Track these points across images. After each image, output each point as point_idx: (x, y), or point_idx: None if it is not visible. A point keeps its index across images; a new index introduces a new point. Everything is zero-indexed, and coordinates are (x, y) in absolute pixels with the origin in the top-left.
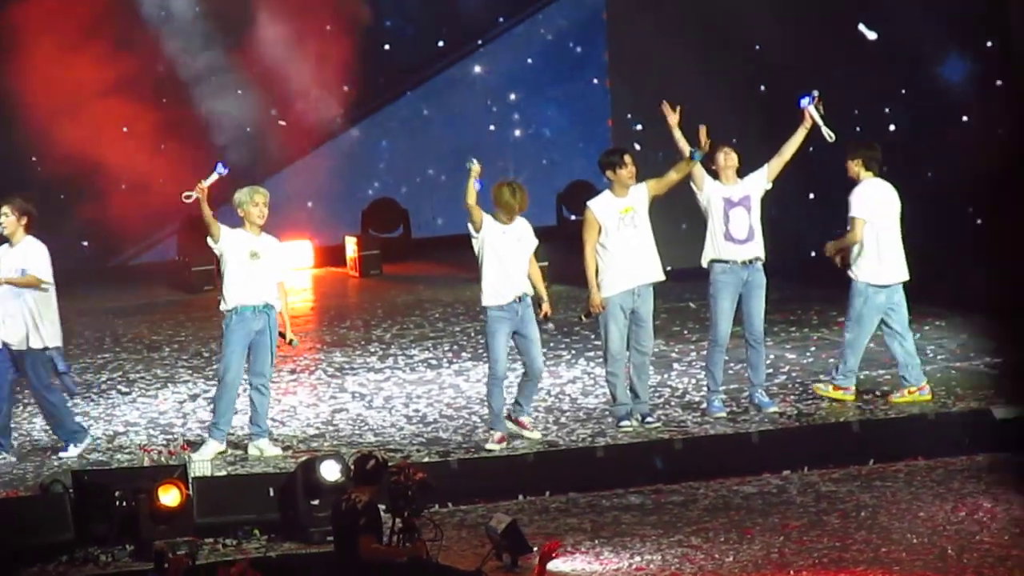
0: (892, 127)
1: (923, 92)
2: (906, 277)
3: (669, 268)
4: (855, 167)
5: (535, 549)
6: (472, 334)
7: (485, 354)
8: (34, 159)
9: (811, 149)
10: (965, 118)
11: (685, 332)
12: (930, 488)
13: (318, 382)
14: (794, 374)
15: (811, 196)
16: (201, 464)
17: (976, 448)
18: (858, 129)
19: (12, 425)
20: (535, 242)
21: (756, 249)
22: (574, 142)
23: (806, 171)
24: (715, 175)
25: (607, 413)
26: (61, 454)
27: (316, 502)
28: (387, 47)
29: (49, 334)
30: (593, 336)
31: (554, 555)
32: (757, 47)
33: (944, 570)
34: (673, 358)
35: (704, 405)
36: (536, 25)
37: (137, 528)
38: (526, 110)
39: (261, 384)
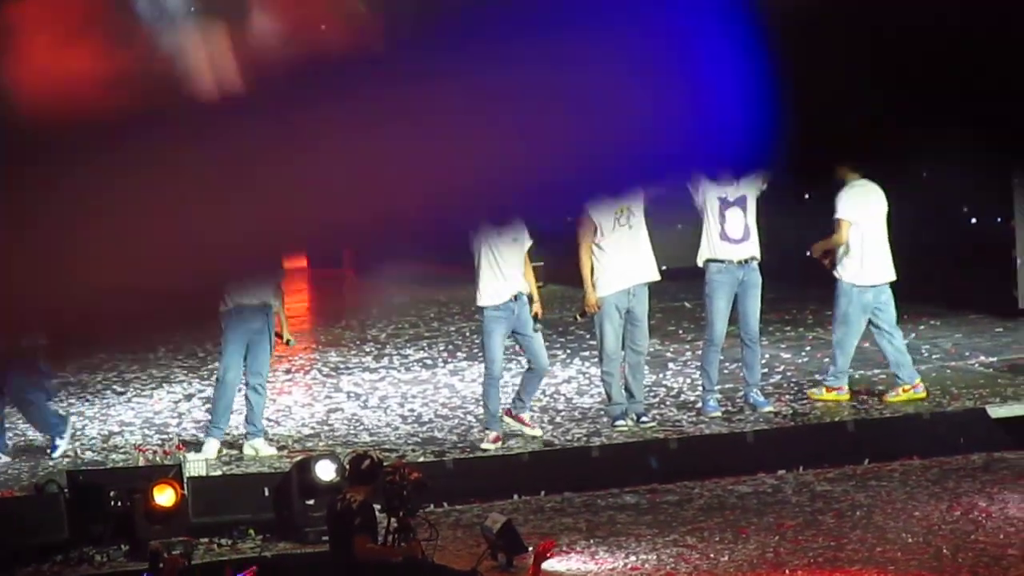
0: None
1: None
2: (892, 277)
3: (664, 268)
4: (841, 169)
5: (530, 549)
6: (467, 334)
7: (480, 354)
8: None
9: None
10: None
11: (680, 332)
12: (925, 487)
13: (313, 382)
14: (789, 374)
15: (807, 196)
16: (196, 464)
17: (971, 447)
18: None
19: (7, 425)
20: (530, 241)
21: (752, 249)
22: None
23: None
24: None
25: (602, 413)
26: (53, 454)
27: (311, 502)
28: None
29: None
30: (588, 336)
31: (549, 555)
32: None
33: (939, 569)
34: (668, 358)
35: (699, 405)
36: None
37: (132, 528)
38: None
39: (258, 384)
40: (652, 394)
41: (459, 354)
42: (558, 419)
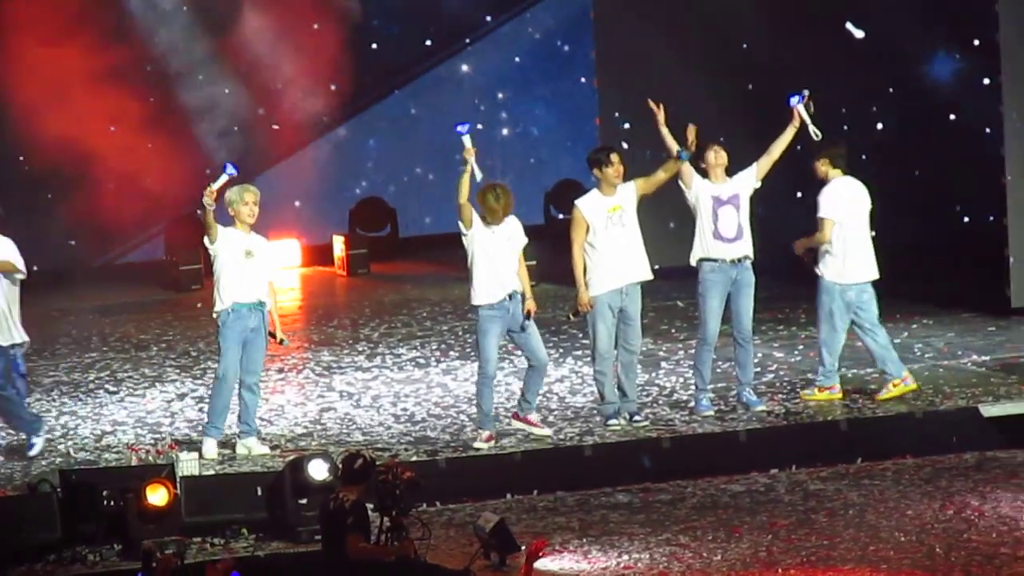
0: (879, 126)
1: (910, 91)
2: (874, 276)
3: (657, 267)
4: (823, 167)
5: (523, 548)
6: (460, 333)
7: (473, 353)
8: (21, 158)
9: (799, 148)
10: (952, 116)
11: (673, 331)
12: (918, 486)
13: (306, 381)
14: (782, 372)
15: (799, 195)
16: (189, 463)
17: (964, 446)
18: (845, 128)
19: None
20: (524, 240)
21: (745, 248)
22: (562, 141)
23: (795, 170)
24: (704, 173)
25: (595, 412)
26: (31, 452)
27: (304, 501)
28: (375, 46)
29: (19, 330)
30: (581, 335)
31: (542, 554)
32: (744, 45)
33: (932, 568)
34: (661, 357)
35: (692, 404)
36: (524, 24)
37: (125, 527)
38: (514, 109)
39: (253, 383)
40: (645, 393)
41: (452, 353)
42: (551, 418)
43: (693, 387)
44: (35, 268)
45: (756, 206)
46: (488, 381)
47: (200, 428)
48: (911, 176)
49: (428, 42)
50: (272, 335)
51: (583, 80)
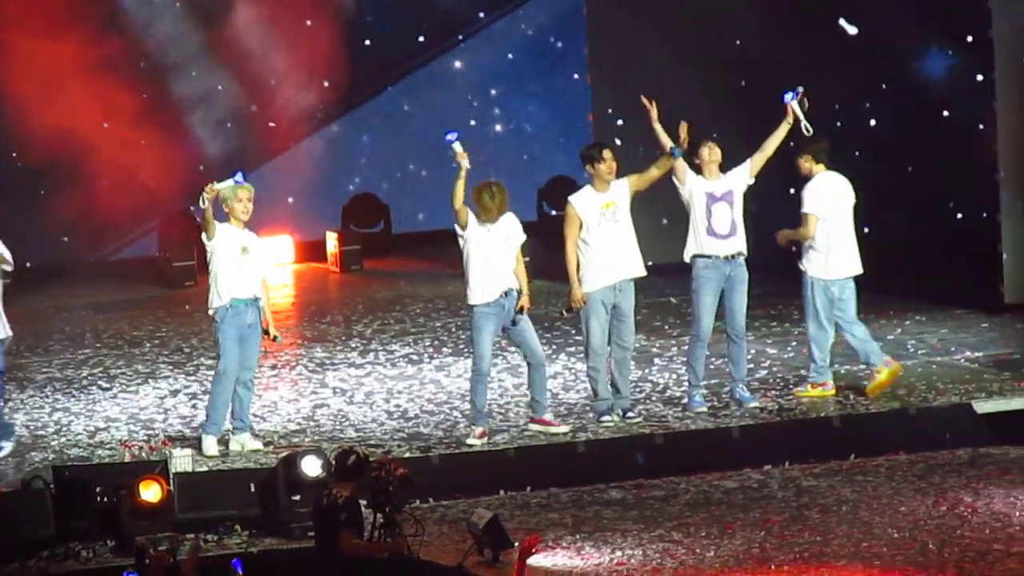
0: (872, 122)
1: (903, 87)
2: (858, 271)
3: (650, 263)
4: (806, 163)
5: (516, 544)
6: (453, 329)
7: (466, 349)
8: (15, 154)
9: (792, 144)
10: (946, 112)
11: (666, 327)
12: (911, 483)
13: (299, 377)
14: (775, 369)
15: (792, 191)
16: (182, 460)
17: (957, 443)
18: (838, 124)
19: None
20: (522, 238)
21: (738, 244)
22: (555, 137)
23: (788, 166)
24: (698, 169)
25: (588, 408)
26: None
27: (297, 498)
28: (367, 42)
29: (1, 324)
30: (574, 331)
31: (535, 550)
32: (737, 42)
33: (925, 564)
34: (654, 353)
35: (685, 400)
36: (516, 20)
37: (118, 524)
38: (507, 105)
39: (248, 379)
40: (638, 389)
41: (445, 350)
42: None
43: (686, 383)
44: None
45: (749, 202)
46: (482, 378)
47: (193, 424)
48: (904, 172)
49: (421, 38)
50: (265, 332)
51: (576, 76)
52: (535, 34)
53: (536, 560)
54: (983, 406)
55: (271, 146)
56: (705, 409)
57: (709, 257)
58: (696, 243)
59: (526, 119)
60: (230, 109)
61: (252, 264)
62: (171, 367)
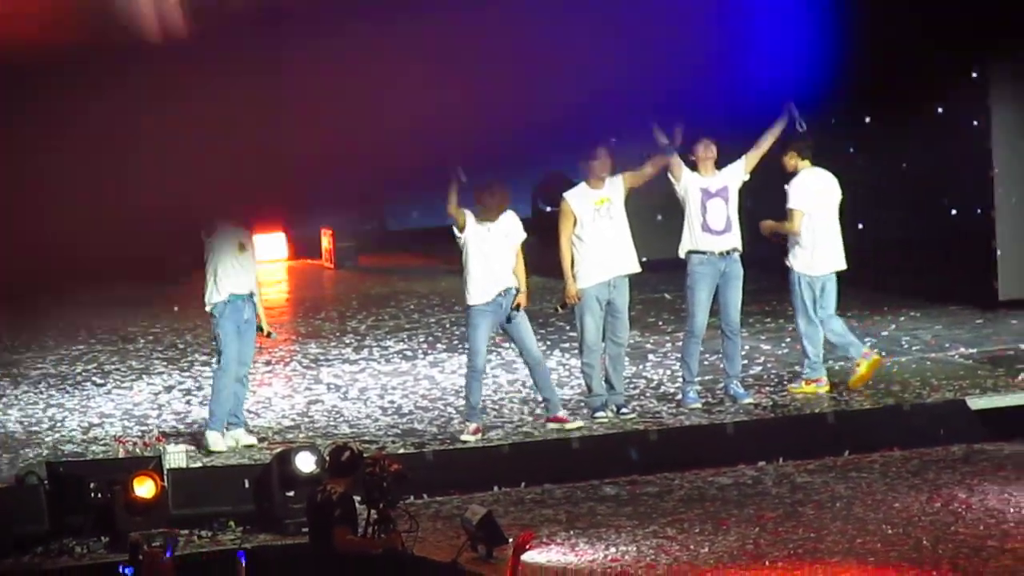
0: (867, 119)
1: (897, 83)
2: (841, 266)
3: (644, 259)
4: (791, 159)
5: (510, 540)
6: (447, 325)
7: (460, 345)
8: None
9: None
10: (940, 109)
11: (660, 323)
12: (905, 479)
13: (293, 373)
14: (769, 365)
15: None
16: (176, 456)
17: (951, 439)
18: (832, 121)
19: None
20: (523, 236)
21: (734, 240)
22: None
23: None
24: (694, 166)
25: (582, 404)
26: None
27: (291, 494)
28: None
29: None
30: (568, 327)
31: (529, 546)
32: None
33: (919, 561)
34: (648, 349)
35: (679, 396)
36: None
37: (112, 520)
38: None
39: (243, 375)
40: (632, 386)
41: (439, 346)
42: (538, 410)
43: (680, 379)
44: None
45: (744, 199)
46: (477, 375)
47: (188, 420)
48: (899, 169)
49: None
50: (259, 328)
51: None
52: None
53: (530, 556)
54: (977, 402)
55: None
56: (699, 405)
57: (704, 253)
58: (691, 239)
59: None
60: None
61: (249, 261)
62: (165, 363)
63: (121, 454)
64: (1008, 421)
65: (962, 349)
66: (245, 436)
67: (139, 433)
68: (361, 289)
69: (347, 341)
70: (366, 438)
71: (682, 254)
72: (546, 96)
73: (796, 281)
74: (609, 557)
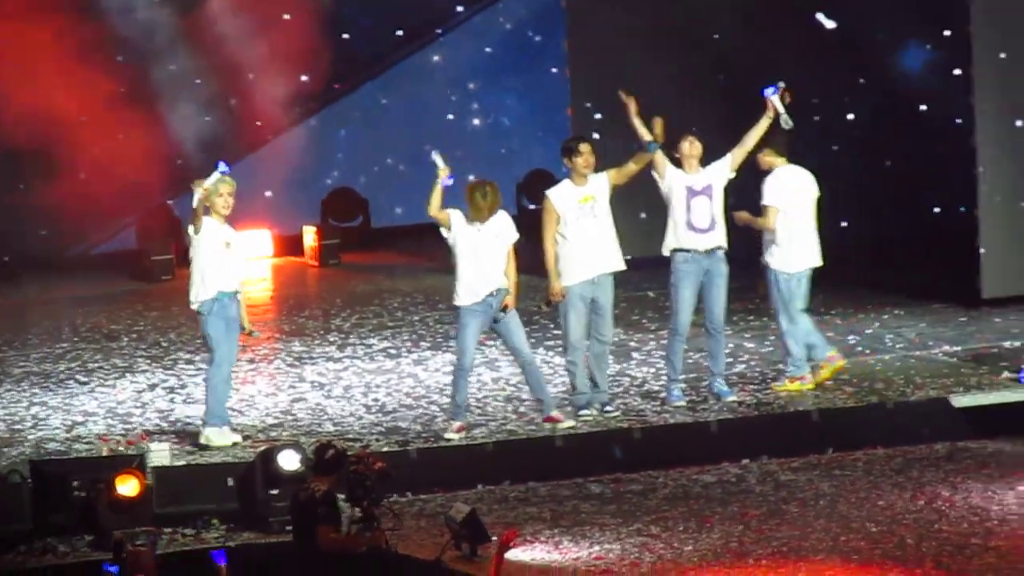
0: (850, 116)
1: (882, 81)
2: (817, 263)
3: (629, 257)
4: (767, 157)
5: (494, 538)
6: (431, 323)
7: (444, 343)
8: None
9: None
10: (923, 107)
11: (644, 321)
12: (889, 477)
13: (277, 371)
14: (753, 363)
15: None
16: (159, 454)
17: (935, 437)
18: (816, 118)
19: None
20: (515, 236)
21: (718, 238)
22: (533, 131)
23: None
24: (678, 163)
25: (566, 402)
26: None
27: (275, 492)
28: (346, 36)
29: None
30: (552, 325)
31: (513, 544)
32: (716, 36)
33: (903, 559)
34: (632, 347)
35: (663, 394)
36: (495, 14)
37: (96, 518)
38: (485, 99)
39: (229, 373)
40: (616, 384)
41: (423, 344)
42: (522, 408)
43: (665, 377)
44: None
45: (728, 196)
46: (464, 373)
47: (171, 419)
48: (882, 167)
49: (400, 32)
50: (242, 327)
51: (554, 70)
52: (513, 28)
53: (514, 554)
54: (961, 400)
55: (249, 140)
56: (683, 403)
57: (688, 251)
58: (675, 237)
59: (504, 113)
60: (208, 104)
61: (234, 258)
62: (149, 361)
63: (104, 452)
64: (992, 419)
65: (946, 347)
66: (229, 434)
67: (122, 431)
68: (345, 287)
69: (331, 339)
70: (350, 436)
71: (666, 252)
72: None
73: (774, 280)
74: (593, 555)
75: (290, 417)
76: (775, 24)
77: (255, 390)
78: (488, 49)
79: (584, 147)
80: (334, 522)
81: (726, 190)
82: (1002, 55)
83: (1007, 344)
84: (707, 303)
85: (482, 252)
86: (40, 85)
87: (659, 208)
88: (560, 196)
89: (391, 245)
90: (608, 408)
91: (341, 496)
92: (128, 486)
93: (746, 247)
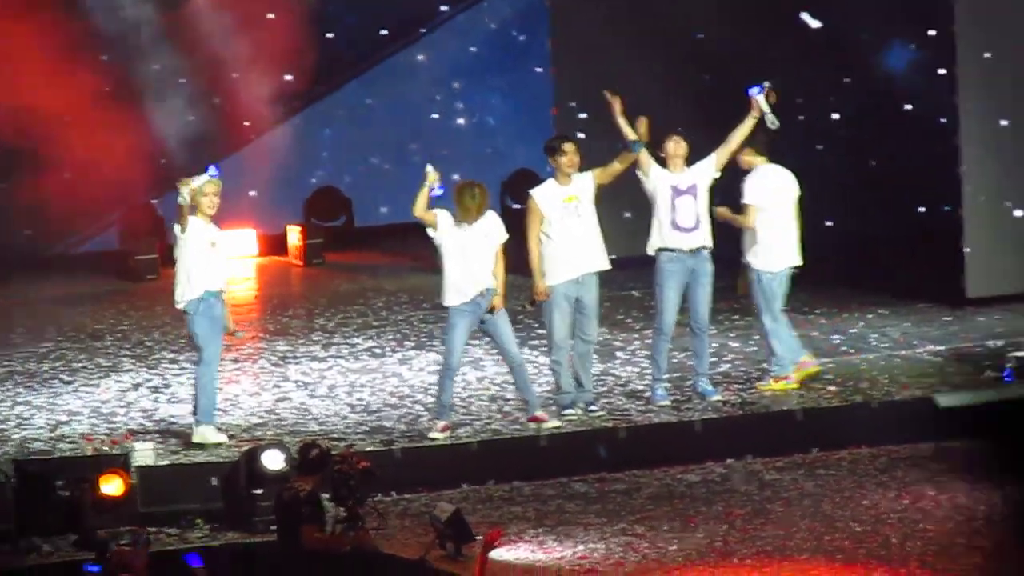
0: (835, 116)
1: (866, 80)
2: (798, 262)
3: (613, 256)
4: (747, 156)
5: (478, 537)
6: (415, 323)
7: (429, 343)
8: None
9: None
10: (908, 106)
11: (629, 320)
12: (873, 476)
13: (261, 371)
14: (738, 363)
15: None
16: (144, 453)
17: (919, 436)
18: (800, 118)
19: None
20: (504, 236)
21: (703, 238)
22: (518, 131)
23: None
24: (663, 163)
25: (551, 401)
26: None
27: (259, 491)
28: (330, 35)
29: None
30: (537, 324)
31: (497, 544)
32: (700, 35)
33: (887, 558)
34: (617, 346)
35: (648, 393)
36: (479, 13)
37: (80, 518)
38: (469, 98)
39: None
40: (601, 383)
41: (407, 343)
42: (506, 408)
43: (649, 377)
44: None
45: (713, 196)
46: (450, 373)
47: (155, 418)
48: (866, 166)
49: (384, 31)
50: (225, 327)
51: (539, 70)
52: (498, 27)
53: (498, 554)
54: (945, 400)
55: (233, 139)
56: (668, 403)
57: (673, 251)
58: (660, 237)
59: (489, 112)
60: (192, 102)
61: (219, 258)
62: (133, 360)
63: (89, 452)
64: (976, 418)
65: (930, 347)
66: (213, 434)
67: (107, 431)
68: (329, 286)
69: (315, 338)
70: (334, 436)
71: (651, 251)
72: None
73: (757, 279)
74: (577, 554)
75: (274, 416)
76: (760, 24)
77: (239, 389)
78: (473, 48)
79: (568, 146)
80: (318, 522)
81: (711, 189)
82: (986, 55)
83: (991, 343)
84: (692, 302)
85: (470, 252)
86: (24, 84)
87: (644, 207)
88: (544, 196)
89: (375, 244)
90: (593, 407)
91: (325, 496)
92: (112, 485)
93: (731, 246)
